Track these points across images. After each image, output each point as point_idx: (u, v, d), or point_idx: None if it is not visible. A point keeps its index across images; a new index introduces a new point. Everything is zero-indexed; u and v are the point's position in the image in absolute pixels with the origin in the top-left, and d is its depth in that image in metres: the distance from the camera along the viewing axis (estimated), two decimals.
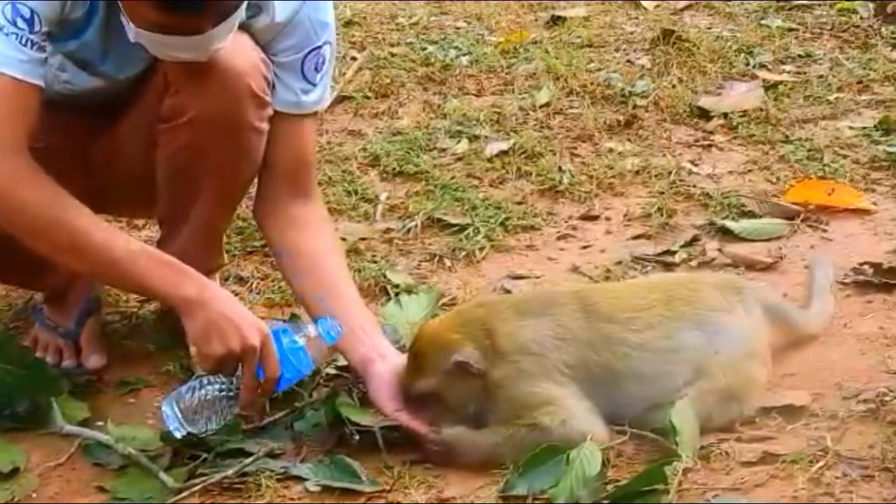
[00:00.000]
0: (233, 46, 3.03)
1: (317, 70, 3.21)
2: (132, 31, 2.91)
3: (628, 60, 5.23)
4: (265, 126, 3.20)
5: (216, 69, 3.06)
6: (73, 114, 3.20)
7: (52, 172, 2.94)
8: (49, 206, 2.93)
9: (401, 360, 3.10)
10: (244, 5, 2.95)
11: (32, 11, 2.91)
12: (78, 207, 2.96)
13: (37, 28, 2.92)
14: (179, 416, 2.95)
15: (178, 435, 2.95)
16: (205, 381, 2.99)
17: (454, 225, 4.10)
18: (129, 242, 3.01)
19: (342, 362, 3.24)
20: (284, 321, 3.17)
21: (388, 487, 2.90)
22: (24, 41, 2.91)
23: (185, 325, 3.00)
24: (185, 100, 3.15)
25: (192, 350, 3.27)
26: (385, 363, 3.09)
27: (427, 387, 3.02)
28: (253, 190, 3.36)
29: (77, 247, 2.96)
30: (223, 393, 2.98)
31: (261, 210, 3.31)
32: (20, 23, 2.91)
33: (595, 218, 4.17)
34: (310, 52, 3.18)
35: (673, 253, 3.91)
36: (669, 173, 4.37)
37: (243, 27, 3.10)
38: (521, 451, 2.89)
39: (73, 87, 3.15)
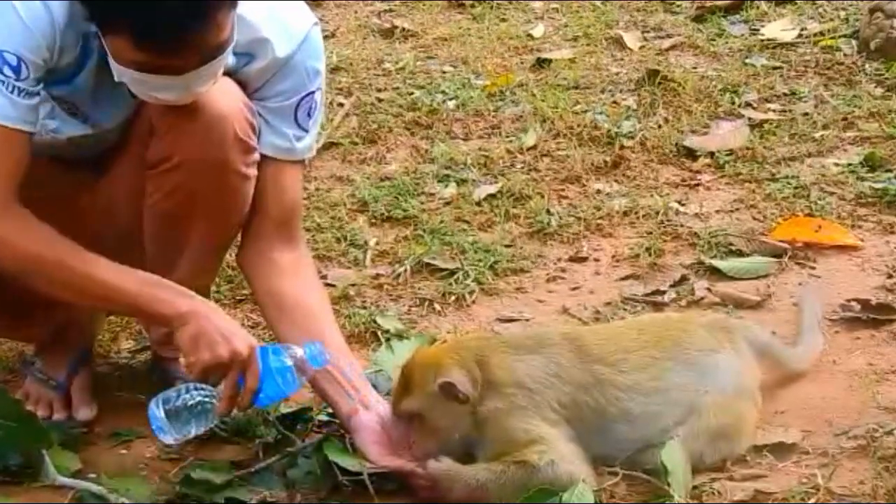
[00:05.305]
0: (216, 90, 3.04)
1: (309, 116, 3.21)
2: (116, 70, 2.92)
3: (614, 101, 5.25)
4: (252, 172, 3.19)
5: (199, 112, 3.06)
6: (60, 167, 3.20)
7: None
8: (49, 251, 2.95)
9: (385, 409, 3.10)
10: (229, 52, 2.96)
11: (19, 59, 2.92)
12: (74, 247, 2.98)
13: (24, 75, 2.93)
14: (163, 416, 2.97)
15: (160, 436, 2.98)
16: (191, 387, 3.01)
17: (444, 269, 4.10)
18: (127, 272, 3.01)
19: None
20: (274, 342, 3.19)
21: None
22: (11, 89, 2.92)
23: (176, 335, 3.01)
24: (170, 144, 3.14)
25: (181, 360, 3.31)
26: (369, 413, 3.09)
27: (412, 407, 3.02)
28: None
29: (79, 284, 2.98)
30: (206, 401, 3.00)
31: (246, 256, 3.30)
32: (7, 70, 2.91)
33: (584, 259, 4.18)
34: (303, 98, 3.19)
35: (662, 293, 3.93)
36: (657, 213, 4.39)
37: (235, 75, 3.12)
38: (508, 488, 2.89)
39: (60, 136, 3.13)
